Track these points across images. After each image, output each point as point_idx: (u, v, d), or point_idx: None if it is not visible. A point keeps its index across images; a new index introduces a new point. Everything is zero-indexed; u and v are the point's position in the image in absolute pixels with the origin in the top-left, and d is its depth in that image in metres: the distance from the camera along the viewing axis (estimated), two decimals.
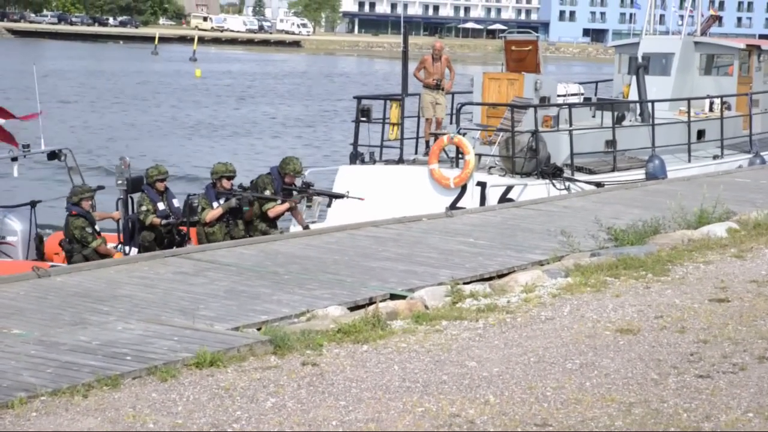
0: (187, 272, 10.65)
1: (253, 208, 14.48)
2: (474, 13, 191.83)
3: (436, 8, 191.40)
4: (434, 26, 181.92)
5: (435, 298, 9.42)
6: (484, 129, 19.42)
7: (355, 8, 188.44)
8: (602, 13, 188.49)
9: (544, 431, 6.22)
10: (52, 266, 12.06)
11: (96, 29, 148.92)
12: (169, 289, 9.88)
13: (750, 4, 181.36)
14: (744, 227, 12.76)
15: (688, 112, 21.48)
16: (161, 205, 14.23)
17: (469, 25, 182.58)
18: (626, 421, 6.35)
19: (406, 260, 11.41)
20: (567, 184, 18.15)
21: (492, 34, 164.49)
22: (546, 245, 12.19)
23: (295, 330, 8.15)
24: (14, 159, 15.12)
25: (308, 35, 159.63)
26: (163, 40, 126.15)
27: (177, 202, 14.41)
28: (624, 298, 9.40)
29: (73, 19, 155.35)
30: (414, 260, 11.42)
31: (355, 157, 19.56)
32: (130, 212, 14.46)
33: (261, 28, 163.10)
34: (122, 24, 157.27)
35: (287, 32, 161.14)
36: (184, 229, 14.11)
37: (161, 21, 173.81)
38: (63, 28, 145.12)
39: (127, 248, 14.19)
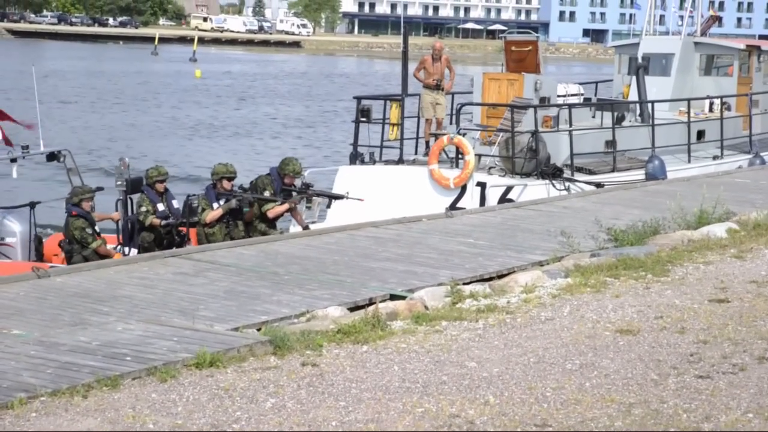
0: (187, 273, 10.65)
1: (253, 209, 14.48)
2: (474, 14, 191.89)
3: (436, 9, 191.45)
4: (434, 27, 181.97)
5: (435, 299, 9.42)
6: (484, 129, 19.42)
7: (354, 9, 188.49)
8: (602, 14, 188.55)
9: (544, 431, 6.23)
10: (52, 267, 12.05)
11: (96, 30, 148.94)
12: (169, 290, 9.88)
13: (750, 4, 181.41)
14: (744, 228, 12.76)
15: (688, 113, 21.48)
16: (161, 206, 14.23)
17: (469, 25, 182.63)
18: (626, 421, 6.35)
19: (406, 261, 11.41)
20: (567, 184, 18.16)
21: (492, 34, 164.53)
22: (546, 246, 12.19)
23: (294, 330, 8.15)
24: (13, 160, 15.12)
25: (308, 36, 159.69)
26: (163, 40, 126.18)
27: (176, 203, 14.40)
28: (624, 299, 9.40)
29: (73, 20, 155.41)
30: (414, 261, 11.42)
31: (355, 158, 19.56)
32: (129, 213, 14.45)
33: (261, 29, 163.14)
34: (122, 24, 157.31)
35: (287, 33, 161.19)
36: (183, 229, 14.11)
37: (161, 21, 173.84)
38: (63, 28, 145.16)
39: (126, 249, 14.18)
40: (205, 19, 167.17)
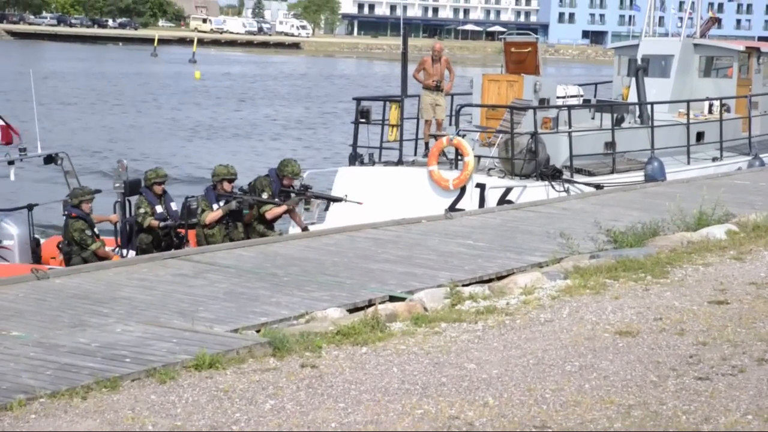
0: (187, 274, 10.65)
1: (253, 210, 14.48)
2: (473, 15, 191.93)
3: (435, 10, 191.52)
4: (433, 28, 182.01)
5: (434, 300, 9.42)
6: (484, 130, 19.42)
7: (354, 10, 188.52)
8: (601, 15, 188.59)
9: None
10: (50, 269, 12.04)
11: (95, 31, 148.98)
12: (169, 291, 9.88)
13: (749, 6, 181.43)
14: (743, 229, 12.76)
15: (688, 114, 21.48)
16: (159, 208, 14.22)
17: (469, 27, 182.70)
18: (625, 423, 6.35)
19: (406, 262, 11.41)
20: (566, 185, 18.16)
21: (491, 36, 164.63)
22: (545, 247, 12.19)
23: (294, 332, 8.15)
24: (11, 162, 15.12)
25: (307, 37, 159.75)
26: (163, 41, 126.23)
27: (175, 206, 14.39)
28: (623, 300, 9.40)
29: (73, 21, 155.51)
30: (413, 262, 11.42)
31: (355, 159, 19.56)
32: (127, 215, 14.44)
33: (260, 30, 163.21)
34: (121, 26, 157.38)
35: (286, 34, 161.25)
36: (182, 231, 14.10)
37: (160, 23, 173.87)
38: (62, 29, 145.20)
39: (124, 251, 14.17)
40: (204, 21, 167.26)
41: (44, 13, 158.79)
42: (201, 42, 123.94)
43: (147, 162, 30.54)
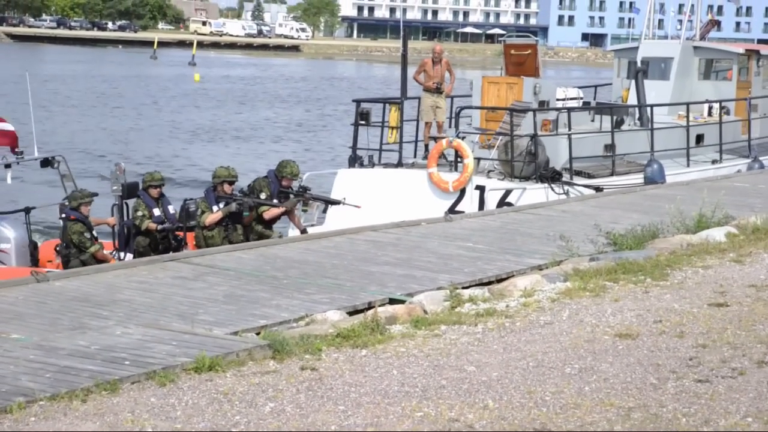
0: (186, 277, 10.65)
1: (253, 213, 14.49)
2: (473, 18, 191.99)
3: (435, 13, 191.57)
4: (433, 31, 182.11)
5: (434, 303, 9.42)
6: (483, 133, 19.43)
7: (354, 13, 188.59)
8: (601, 18, 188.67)
9: None
10: (49, 272, 12.02)
11: (95, 34, 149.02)
12: (168, 294, 9.88)
13: (749, 8, 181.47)
14: (743, 232, 12.76)
15: (687, 117, 21.49)
16: (157, 211, 14.21)
17: (468, 29, 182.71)
18: (625, 425, 6.35)
19: (405, 265, 11.41)
20: (566, 188, 18.16)
21: (491, 38, 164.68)
22: (545, 250, 12.20)
23: (294, 335, 8.15)
24: (8, 166, 15.11)
25: (307, 40, 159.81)
26: (162, 44, 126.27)
27: (173, 209, 14.38)
28: (623, 303, 9.40)
29: (72, 24, 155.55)
30: (413, 265, 11.42)
31: (354, 161, 19.57)
32: (125, 218, 14.43)
33: (260, 33, 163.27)
34: (121, 28, 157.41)
35: (286, 37, 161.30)
36: (180, 233, 14.10)
37: (160, 25, 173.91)
38: (62, 32, 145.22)
39: (121, 254, 14.15)
40: (204, 23, 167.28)
41: (44, 16, 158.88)
42: (200, 45, 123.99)
43: (147, 165, 30.54)
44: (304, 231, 15.01)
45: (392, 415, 6.48)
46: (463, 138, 18.45)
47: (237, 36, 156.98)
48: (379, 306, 9.31)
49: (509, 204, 17.32)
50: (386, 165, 19.42)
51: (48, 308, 9.23)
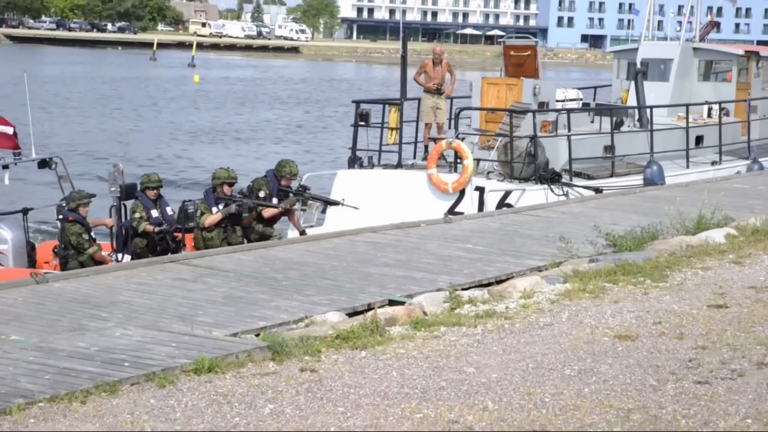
0: (186, 278, 10.65)
1: (252, 214, 14.49)
2: (472, 19, 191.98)
3: (434, 14, 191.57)
4: (432, 32, 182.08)
5: (433, 304, 9.42)
6: (483, 134, 19.44)
7: (353, 14, 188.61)
8: (600, 19, 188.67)
9: None
10: (47, 273, 12.02)
11: (94, 35, 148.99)
12: (168, 295, 9.88)
13: (748, 10, 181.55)
14: (742, 233, 12.76)
15: (687, 118, 21.49)
16: (155, 213, 14.19)
17: (468, 31, 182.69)
18: (625, 427, 6.35)
19: (405, 266, 11.41)
20: (565, 189, 18.16)
21: (490, 40, 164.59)
22: (544, 251, 12.20)
23: (293, 336, 8.15)
24: (5, 167, 15.11)
25: (307, 41, 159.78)
26: (162, 46, 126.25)
27: (171, 210, 14.36)
28: (622, 304, 9.39)
29: (72, 25, 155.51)
30: (412, 266, 11.42)
31: (354, 162, 19.58)
32: (122, 219, 14.41)
33: (259, 34, 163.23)
34: (121, 30, 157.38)
35: (286, 38, 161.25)
36: (179, 235, 14.09)
37: (160, 27, 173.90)
38: (61, 34, 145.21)
39: (119, 255, 14.15)
40: (203, 25, 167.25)
41: (43, 18, 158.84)
42: (200, 46, 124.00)
43: (146, 166, 30.53)
44: (303, 232, 15.02)
45: (392, 417, 6.48)
46: (462, 139, 18.46)
47: (236, 37, 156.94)
48: (379, 307, 9.30)
49: (509, 205, 17.33)
50: (386, 166, 19.42)
51: (47, 310, 9.23)
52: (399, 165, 19.20)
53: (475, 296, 9.76)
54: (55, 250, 13.98)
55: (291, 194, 14.87)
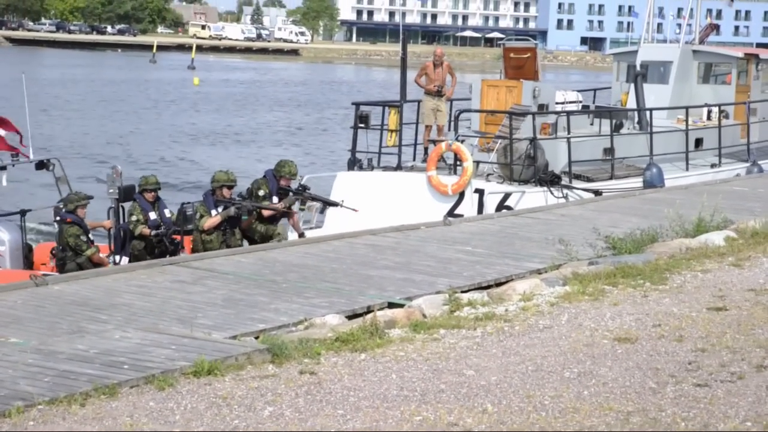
0: (185, 281, 10.65)
1: (252, 216, 14.49)
2: (472, 22, 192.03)
3: (434, 16, 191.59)
4: (432, 34, 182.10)
5: (433, 307, 9.42)
6: (483, 136, 19.44)
7: (353, 16, 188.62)
8: (600, 22, 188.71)
9: None
10: (44, 275, 12.02)
11: (94, 37, 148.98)
12: (167, 298, 9.87)
13: (747, 12, 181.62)
14: (742, 236, 12.76)
15: (686, 121, 21.49)
16: (152, 215, 14.18)
17: (467, 33, 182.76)
18: (624, 429, 6.35)
19: (404, 269, 11.41)
20: (565, 191, 18.16)
21: (490, 42, 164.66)
22: (544, 254, 12.19)
23: (292, 338, 8.14)
24: (3, 168, 15.11)
25: (306, 43, 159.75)
26: (162, 48, 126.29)
27: (169, 213, 14.36)
28: (622, 307, 9.39)
29: (72, 28, 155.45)
30: (412, 269, 11.42)
31: (353, 164, 19.58)
32: (120, 221, 14.41)
33: (259, 37, 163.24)
34: (120, 32, 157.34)
35: (285, 40, 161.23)
36: (177, 237, 14.09)
37: (159, 29, 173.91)
38: (61, 36, 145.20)
39: (117, 257, 14.14)
40: (203, 27, 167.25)
41: (43, 20, 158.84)
42: (200, 48, 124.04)
43: (146, 168, 30.53)
44: (301, 235, 15.03)
45: (391, 419, 6.48)
46: (462, 141, 18.46)
47: (236, 40, 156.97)
48: (378, 310, 9.30)
49: (508, 207, 17.32)
50: (385, 168, 19.43)
51: (47, 312, 9.22)
52: (398, 167, 19.20)
53: (475, 299, 9.76)
54: (53, 251, 13.97)
55: (291, 193, 14.89)
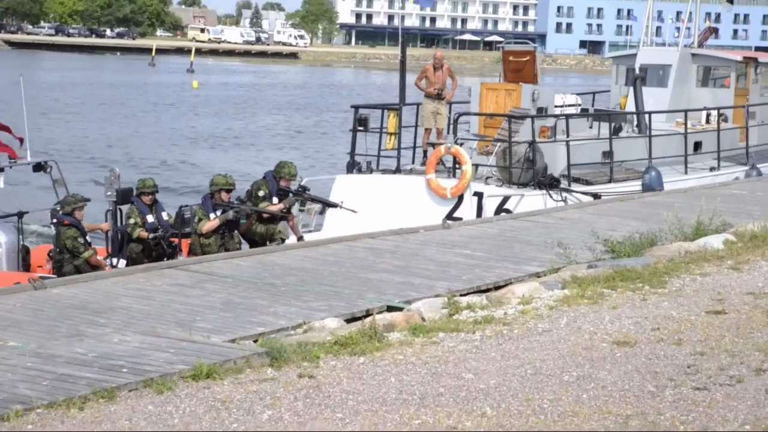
0: (184, 284, 10.64)
1: (251, 218, 14.50)
2: (471, 25, 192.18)
3: (433, 20, 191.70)
4: (431, 38, 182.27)
5: (432, 310, 9.42)
6: (482, 139, 19.44)
7: (352, 20, 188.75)
8: (599, 25, 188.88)
9: None
10: (41, 277, 12.00)
11: (93, 41, 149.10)
12: (166, 301, 9.87)
13: (746, 16, 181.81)
14: (741, 239, 12.76)
15: (685, 124, 21.50)
16: (150, 218, 14.18)
17: (466, 36, 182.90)
18: None
19: (403, 272, 11.41)
20: (564, 195, 18.16)
21: (489, 45, 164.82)
22: (543, 257, 12.19)
23: (291, 342, 8.14)
24: (0, 170, 15.10)
25: (305, 47, 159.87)
26: (161, 51, 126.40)
27: (166, 216, 14.36)
28: (621, 310, 9.39)
29: (71, 31, 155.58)
30: (411, 272, 11.41)
31: (353, 167, 19.58)
32: (118, 224, 14.41)
33: (258, 40, 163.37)
34: (119, 35, 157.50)
35: (284, 44, 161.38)
36: (175, 240, 14.08)
37: (158, 33, 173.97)
38: (60, 39, 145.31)
39: (114, 260, 14.14)
40: (202, 30, 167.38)
41: (42, 23, 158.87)
42: (199, 52, 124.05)
43: (145, 171, 30.53)
44: (300, 238, 15.02)
45: (390, 423, 6.48)
46: (461, 144, 18.46)
47: (235, 43, 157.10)
48: (377, 313, 9.30)
49: (507, 210, 17.32)
50: (384, 171, 19.43)
51: (45, 315, 9.22)
52: (398, 170, 19.20)
53: (474, 302, 9.76)
54: (50, 254, 13.95)
55: (291, 194, 14.90)
